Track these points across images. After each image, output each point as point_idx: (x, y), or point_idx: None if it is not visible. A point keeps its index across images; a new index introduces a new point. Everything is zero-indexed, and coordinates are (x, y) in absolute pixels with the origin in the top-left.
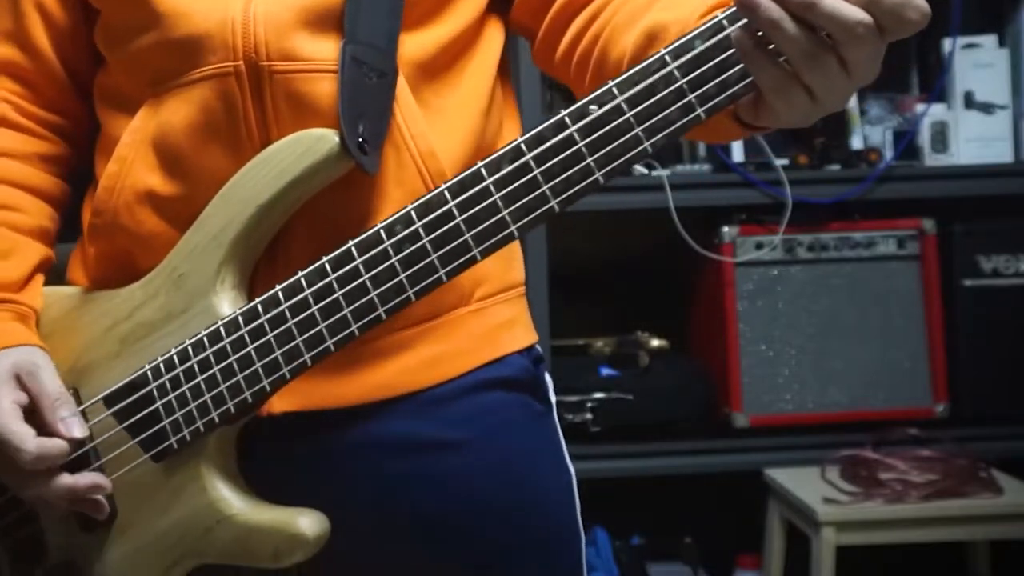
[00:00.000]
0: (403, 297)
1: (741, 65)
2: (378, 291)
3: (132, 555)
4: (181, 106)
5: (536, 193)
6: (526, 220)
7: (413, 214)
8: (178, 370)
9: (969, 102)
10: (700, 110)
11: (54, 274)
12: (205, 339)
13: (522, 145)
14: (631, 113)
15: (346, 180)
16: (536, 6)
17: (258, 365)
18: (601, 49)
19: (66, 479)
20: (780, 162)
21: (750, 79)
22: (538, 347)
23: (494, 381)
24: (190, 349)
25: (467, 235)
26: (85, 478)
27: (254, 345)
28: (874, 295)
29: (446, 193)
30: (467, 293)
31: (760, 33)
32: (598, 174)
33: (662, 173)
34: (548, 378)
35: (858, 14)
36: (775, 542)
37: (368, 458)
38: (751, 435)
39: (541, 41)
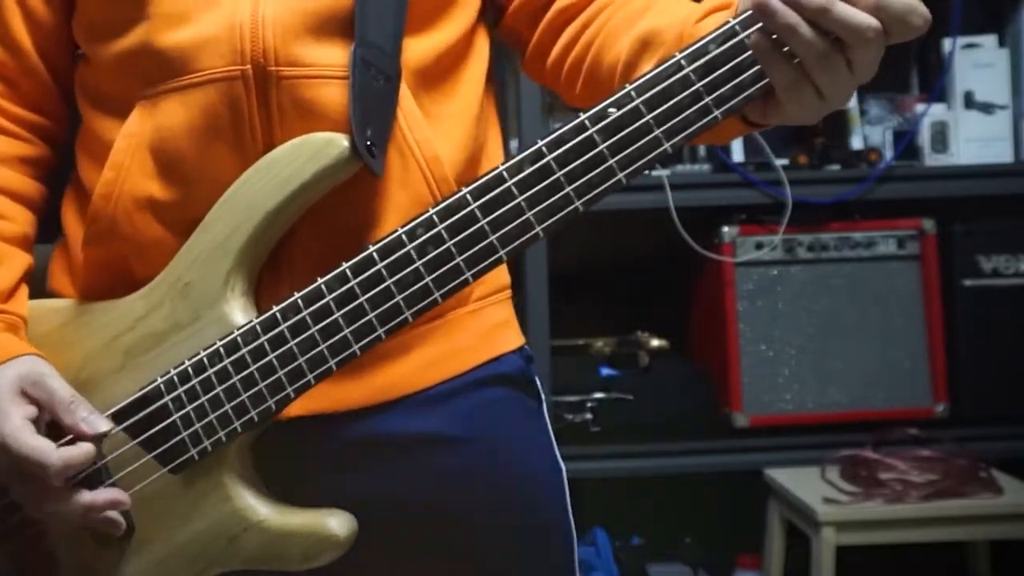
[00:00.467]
0: (430, 299)
1: (755, 68)
2: (403, 295)
3: (154, 568)
4: (180, 109)
5: (560, 195)
6: (551, 221)
7: (435, 217)
8: (194, 382)
9: (969, 102)
10: (717, 112)
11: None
12: (222, 349)
13: (543, 147)
14: (650, 116)
15: (350, 184)
16: (528, 15)
17: (281, 373)
18: (595, 55)
19: (85, 496)
20: (780, 162)
21: (764, 81)
22: (527, 347)
23: (492, 378)
24: (205, 360)
25: (492, 237)
26: (103, 494)
27: (276, 353)
28: (874, 295)
29: (468, 196)
30: (465, 295)
31: (775, 36)
32: (620, 175)
33: (662, 173)
34: (536, 378)
35: (868, 19)
36: (775, 542)
37: (373, 457)
38: (751, 435)
39: (533, 48)
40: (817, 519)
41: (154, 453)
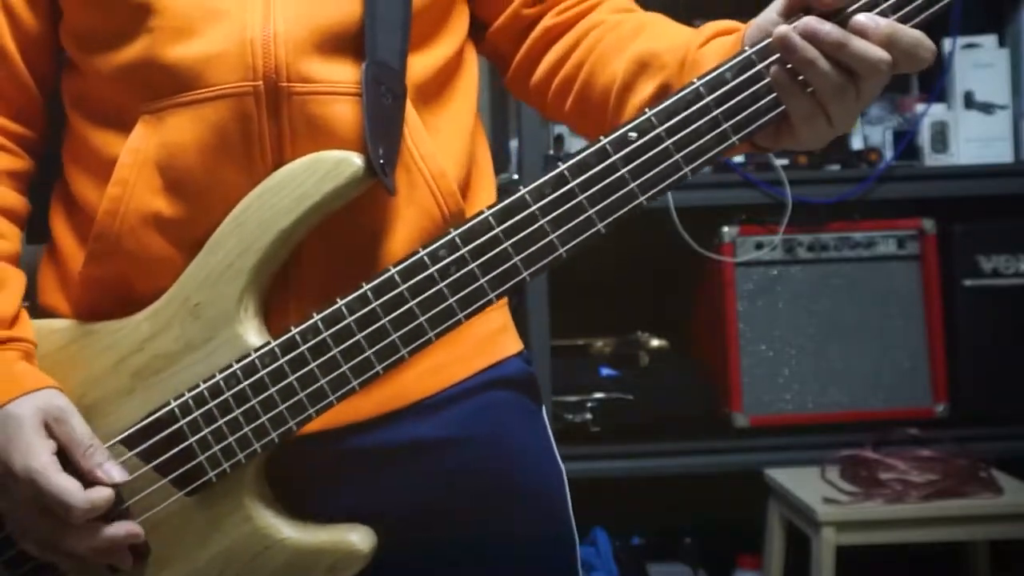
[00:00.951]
0: (454, 320)
1: (771, 96)
2: (427, 316)
3: None
4: (188, 124)
5: (583, 217)
6: (575, 243)
7: (458, 240)
8: (211, 404)
9: (969, 102)
10: (735, 138)
11: None
12: (239, 372)
13: (565, 172)
14: (670, 141)
15: (359, 201)
16: (514, 32)
17: (302, 395)
18: (587, 75)
19: (108, 531)
20: (780, 162)
21: (780, 108)
22: (526, 352)
23: (494, 381)
24: (222, 383)
25: (516, 259)
26: (122, 527)
27: (296, 375)
28: (874, 295)
29: (491, 220)
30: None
31: (791, 68)
32: (641, 198)
33: None
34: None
35: (881, 53)
36: (775, 542)
37: (380, 465)
38: (751, 435)
39: (517, 66)
40: (817, 519)
41: (170, 477)
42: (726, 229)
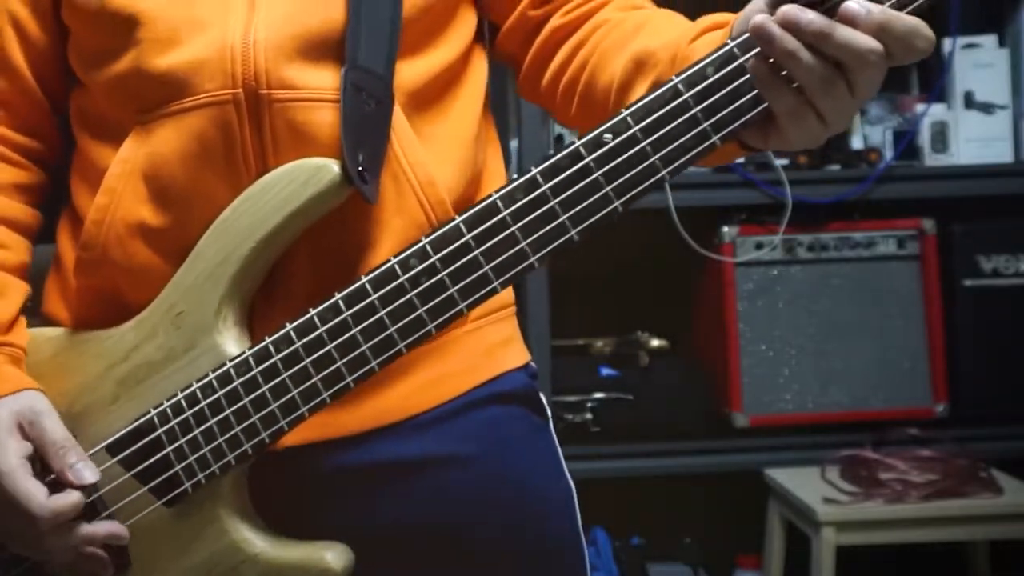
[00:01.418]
0: (424, 331)
1: (753, 92)
2: (397, 326)
3: None
4: (173, 134)
5: (555, 224)
6: (547, 250)
7: (428, 248)
8: (187, 414)
9: (969, 102)
10: (715, 138)
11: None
12: (214, 381)
13: (537, 176)
14: (647, 142)
15: (345, 210)
16: (522, 35)
17: (274, 406)
18: (589, 75)
19: (85, 528)
20: (780, 162)
21: (763, 106)
22: (533, 364)
23: (494, 396)
24: (198, 392)
25: (486, 267)
26: (102, 528)
27: (268, 386)
28: (874, 295)
29: (462, 226)
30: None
31: (773, 61)
32: (616, 203)
33: None
34: (541, 395)
35: (870, 43)
36: (775, 542)
37: (368, 483)
38: (751, 435)
39: (527, 70)
40: (817, 519)
41: (149, 486)
42: (726, 229)
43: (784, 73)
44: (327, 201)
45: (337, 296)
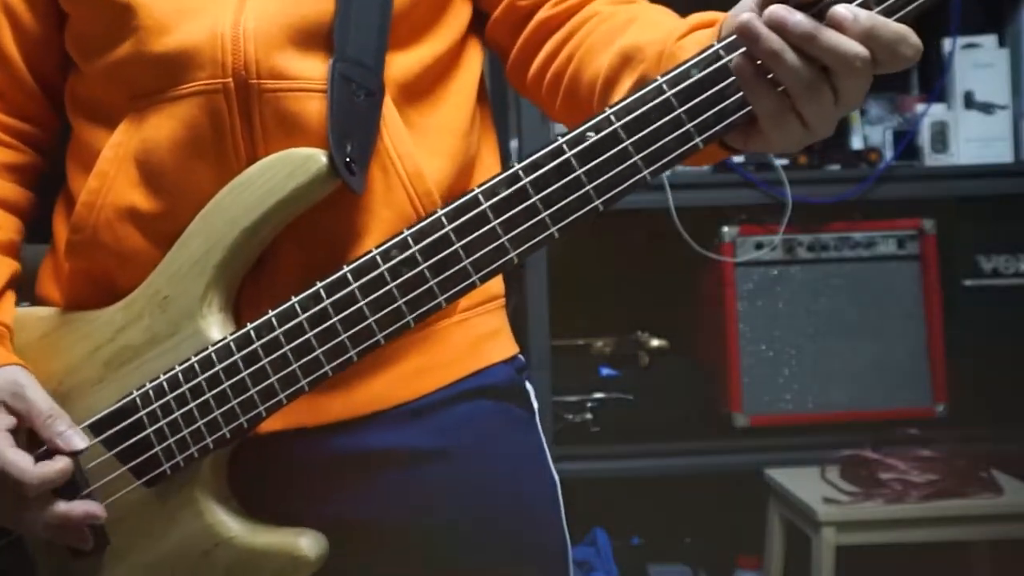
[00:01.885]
0: (402, 323)
1: (738, 94)
2: (376, 317)
3: None
4: (165, 121)
5: (536, 220)
6: (526, 246)
7: (409, 239)
8: (168, 397)
9: (969, 102)
10: (698, 139)
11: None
12: (196, 365)
13: (519, 171)
14: (629, 142)
15: (334, 200)
16: (510, 25)
17: (253, 391)
18: (575, 68)
19: (60, 507)
20: (780, 162)
21: (747, 108)
22: (521, 357)
23: (478, 390)
24: (180, 375)
25: (466, 261)
26: (79, 507)
27: (248, 371)
28: (874, 295)
29: (443, 219)
30: (452, 305)
31: (759, 62)
32: (597, 201)
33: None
34: (530, 387)
35: (856, 48)
36: (775, 542)
37: (350, 471)
38: (751, 435)
39: (514, 59)
40: (817, 519)
41: (129, 465)
42: (726, 229)
43: (769, 76)
44: (313, 192)
45: (319, 284)
